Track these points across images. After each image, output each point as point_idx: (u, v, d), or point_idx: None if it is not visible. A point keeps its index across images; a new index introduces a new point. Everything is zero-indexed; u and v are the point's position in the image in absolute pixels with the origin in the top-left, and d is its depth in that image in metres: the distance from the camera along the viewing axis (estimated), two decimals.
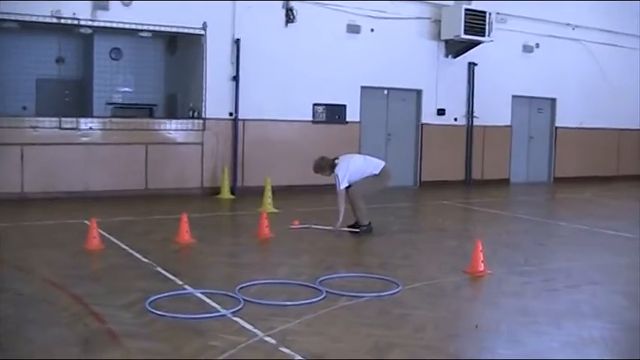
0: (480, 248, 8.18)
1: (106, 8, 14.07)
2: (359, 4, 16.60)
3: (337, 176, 10.52)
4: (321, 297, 6.82)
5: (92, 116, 15.26)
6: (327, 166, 10.80)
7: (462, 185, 18.72)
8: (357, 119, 17.11)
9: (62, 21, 13.89)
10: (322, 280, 7.42)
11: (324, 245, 9.86)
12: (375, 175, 10.70)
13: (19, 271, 7.89)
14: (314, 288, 7.15)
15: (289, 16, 15.87)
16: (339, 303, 6.71)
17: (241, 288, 7.01)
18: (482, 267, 8.15)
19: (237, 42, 15.29)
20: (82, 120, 14.35)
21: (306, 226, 10.95)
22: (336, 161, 10.71)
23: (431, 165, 18.32)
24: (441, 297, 7.22)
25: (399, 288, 7.28)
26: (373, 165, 10.80)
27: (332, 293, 6.96)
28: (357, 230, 10.67)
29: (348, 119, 16.94)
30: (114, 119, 15.12)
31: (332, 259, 8.90)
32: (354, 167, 10.62)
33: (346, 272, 8.10)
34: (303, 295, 6.95)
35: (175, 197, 14.42)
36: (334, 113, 16.71)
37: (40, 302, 6.61)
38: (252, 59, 15.41)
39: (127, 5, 14.26)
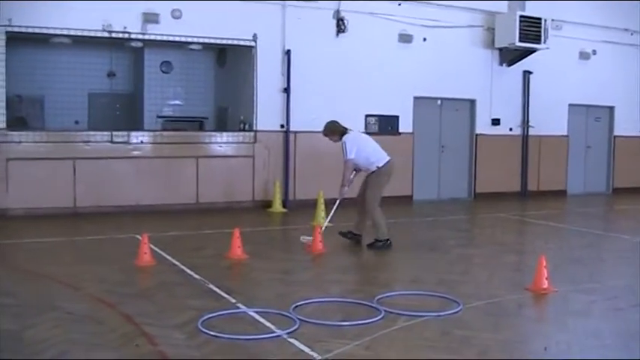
0: (544, 264, 7.81)
1: (156, 22, 14.03)
2: (411, 13, 16.33)
3: (345, 144, 10.31)
4: (380, 317, 6.53)
5: (143, 130, 15.22)
6: (337, 131, 10.62)
7: (518, 197, 18.26)
8: (410, 130, 16.80)
9: (113, 35, 13.88)
10: (380, 299, 7.14)
11: (379, 261, 9.59)
12: (379, 168, 10.41)
13: (69, 288, 7.75)
14: (371, 307, 6.88)
15: (340, 26, 15.67)
16: (397, 323, 6.41)
17: (296, 307, 6.77)
18: (546, 284, 7.78)
19: (287, 53, 15.13)
20: (133, 134, 14.31)
21: (310, 238, 10.43)
22: (349, 130, 10.56)
23: (486, 176, 17.90)
24: (505, 317, 6.89)
25: (460, 307, 6.96)
26: (379, 155, 10.50)
27: (390, 312, 6.68)
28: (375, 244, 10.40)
29: (400, 130, 16.65)
30: (164, 133, 15.08)
31: (388, 276, 8.65)
32: (363, 145, 10.47)
33: (404, 290, 7.78)
34: (360, 314, 6.68)
35: (226, 211, 14.27)
36: (387, 124, 16.41)
37: (89, 321, 6.44)
38: (303, 70, 15.23)
39: (177, 18, 14.21)
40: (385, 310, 6.70)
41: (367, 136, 11.04)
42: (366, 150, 10.43)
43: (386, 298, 7.21)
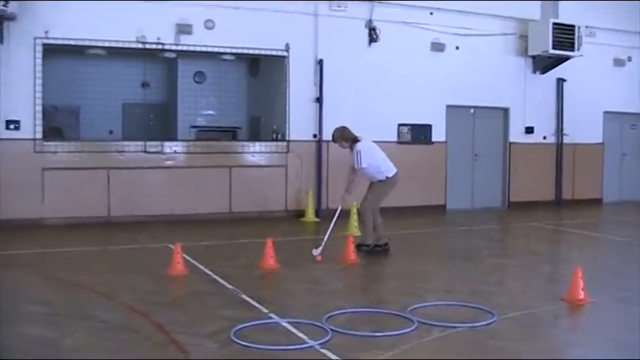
0: (580, 275, 7.70)
1: (189, 32, 14.13)
2: (443, 22, 16.28)
3: (359, 152, 10.28)
4: (413, 327, 6.47)
5: (176, 140, 15.33)
6: (349, 138, 10.58)
7: (553, 206, 18.08)
8: (443, 139, 16.72)
9: (147, 46, 14.01)
10: (413, 309, 7.08)
11: (412, 271, 9.50)
12: (389, 178, 10.50)
13: (102, 297, 7.81)
14: (405, 317, 6.83)
15: (372, 36, 15.66)
16: (431, 334, 6.35)
17: (329, 317, 6.74)
18: (582, 295, 7.67)
19: (320, 62, 15.15)
20: (167, 143, 14.40)
21: (320, 249, 10.15)
22: (360, 138, 10.51)
23: (519, 185, 17.74)
24: (540, 328, 6.80)
25: (494, 318, 6.87)
26: (389, 166, 10.58)
27: (424, 323, 6.62)
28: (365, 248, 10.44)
29: (433, 139, 16.57)
30: (198, 142, 15.17)
31: (421, 286, 8.54)
32: (375, 155, 10.51)
33: (437, 300, 7.70)
34: (393, 324, 6.63)
35: (259, 220, 14.30)
36: (419, 133, 16.35)
37: (123, 330, 6.48)
38: (336, 80, 15.23)
39: (209, 29, 14.30)
40: (418, 321, 6.64)
41: (376, 146, 10.89)
42: (377, 159, 10.48)
43: (419, 309, 7.16)
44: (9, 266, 9.63)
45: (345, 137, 10.59)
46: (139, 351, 5.84)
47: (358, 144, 10.39)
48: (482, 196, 17.50)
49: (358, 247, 10.45)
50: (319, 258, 9.87)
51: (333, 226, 10.37)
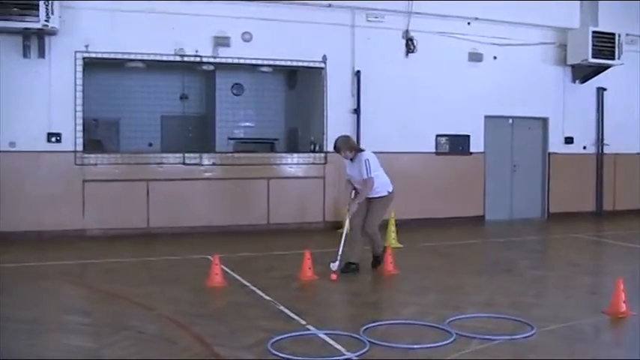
0: (622, 287, 7.59)
1: (227, 45, 14.23)
2: (481, 32, 16.19)
3: (368, 162, 9.79)
4: (451, 339, 6.43)
5: (215, 151, 15.41)
6: (353, 147, 10.12)
7: (593, 216, 17.84)
8: (482, 150, 16.61)
9: (185, 59, 14.14)
10: (451, 321, 7.03)
11: (451, 283, 9.42)
12: (390, 193, 10.17)
13: (142, 308, 7.87)
14: (443, 329, 6.78)
15: (409, 46, 15.64)
16: (470, 346, 6.29)
17: (366, 329, 6.71)
18: (624, 307, 7.55)
19: (357, 74, 15.16)
20: (205, 155, 14.50)
21: (337, 263, 9.81)
22: (363, 148, 10.22)
23: (559, 196, 17.54)
24: (581, 341, 6.70)
25: (534, 330, 6.78)
26: (387, 179, 10.20)
27: (462, 335, 6.56)
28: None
29: (472, 150, 16.47)
30: (236, 154, 15.23)
31: (459, 298, 8.47)
32: (378, 167, 10.06)
33: (476, 312, 7.62)
34: (431, 336, 6.59)
35: (297, 232, 14.32)
36: (458, 144, 16.26)
37: (162, 341, 6.52)
38: (373, 91, 15.23)
39: (247, 41, 14.39)
40: (457, 333, 6.60)
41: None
42: (378, 171, 10.04)
43: (458, 321, 7.10)
44: (50, 277, 9.77)
45: (351, 146, 10.16)
46: None
47: (364, 153, 10.00)
48: (522, 206, 17.33)
49: (347, 265, 9.91)
50: (334, 277, 9.47)
51: (345, 239, 10.03)
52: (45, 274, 9.96)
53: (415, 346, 6.27)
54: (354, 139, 14.95)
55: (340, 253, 9.77)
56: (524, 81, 16.77)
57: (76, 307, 7.96)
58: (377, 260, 10.24)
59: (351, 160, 10.06)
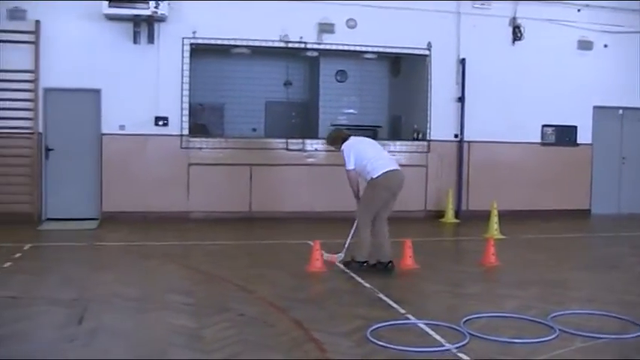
0: None
1: (331, 31, 14.25)
2: (591, 19, 15.65)
3: (342, 152, 9.12)
4: (554, 336, 6.22)
5: (317, 138, 15.45)
6: (339, 139, 9.35)
7: None
8: (589, 141, 16.10)
9: (290, 45, 14.23)
10: (554, 317, 6.82)
11: (554, 278, 9.15)
12: (373, 179, 8.92)
13: (242, 291, 7.97)
14: (545, 325, 6.58)
15: (516, 34, 15.30)
16: (574, 344, 6.06)
17: (466, 320, 6.59)
18: None
19: (462, 62, 14.94)
20: (308, 141, 14.58)
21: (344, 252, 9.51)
22: (350, 138, 9.36)
23: None
24: None
25: None
26: (376, 164, 8.97)
27: (565, 332, 6.34)
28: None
29: (579, 141, 15.99)
30: None
31: (563, 293, 8.22)
32: (363, 152, 9.08)
33: (580, 309, 7.37)
34: (533, 331, 6.40)
35: (398, 220, 14.10)
36: (564, 135, 15.82)
37: (261, 324, 6.57)
38: (478, 79, 14.98)
39: (352, 28, 14.36)
40: (560, 329, 6.38)
41: (371, 142, 9.71)
42: (365, 157, 9.05)
43: (561, 316, 6.88)
44: (155, 256, 10.05)
45: (333, 138, 9.55)
46: (278, 346, 5.89)
47: (345, 143, 9.23)
48: (630, 200, 16.70)
49: (347, 263, 9.28)
50: (331, 259, 9.36)
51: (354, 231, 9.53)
52: (150, 254, 10.24)
53: (516, 340, 6.11)
54: (459, 127, 14.82)
55: (347, 246, 9.46)
56: (636, 70, 16.09)
57: (179, 287, 8.12)
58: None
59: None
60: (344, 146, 9.21)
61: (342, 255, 9.46)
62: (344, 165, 9.17)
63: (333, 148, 9.69)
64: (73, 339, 5.97)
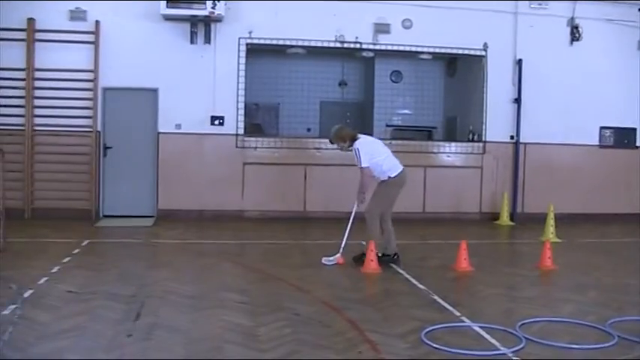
0: None
1: (387, 32, 14.23)
2: None
3: (358, 150, 9.29)
4: (613, 342, 6.12)
5: None
6: (347, 137, 9.50)
7: None
8: None
9: (345, 45, 14.24)
10: (613, 323, 6.69)
11: (613, 282, 9.00)
12: (391, 178, 9.39)
13: (297, 291, 8.02)
14: (604, 331, 6.47)
15: (575, 34, 15.06)
16: (633, 351, 5.96)
17: (522, 324, 6.53)
18: None
19: (519, 62, 14.77)
20: None
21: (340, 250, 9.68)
22: (359, 136, 9.52)
23: None
24: None
25: None
26: (392, 164, 9.47)
27: (625, 339, 6.22)
28: (363, 259, 9.33)
29: (638, 144, 15.69)
30: (393, 141, 15.11)
31: (623, 299, 8.05)
32: (377, 152, 9.43)
33: None
34: (591, 337, 6.32)
35: (452, 222, 14.17)
36: (623, 137, 15.51)
37: (316, 324, 6.60)
38: (535, 80, 14.79)
39: (407, 28, 14.32)
40: (619, 336, 6.26)
41: (380, 141, 10.02)
42: (380, 157, 9.43)
43: (620, 323, 6.74)
44: (210, 254, 10.18)
45: (341, 136, 9.61)
46: (333, 347, 5.91)
47: (356, 142, 9.42)
48: None
49: (359, 257, 9.50)
50: (341, 261, 9.56)
51: (350, 229, 9.76)
52: (205, 252, 10.37)
53: (573, 346, 6.02)
54: (515, 129, 14.67)
55: (343, 244, 9.66)
56: None
57: (234, 286, 8.19)
58: (361, 257, 9.50)
59: (350, 150, 9.56)
60: (358, 145, 9.42)
61: (338, 255, 9.62)
62: (357, 163, 9.38)
63: (338, 146, 9.76)
64: (130, 334, 6.08)
